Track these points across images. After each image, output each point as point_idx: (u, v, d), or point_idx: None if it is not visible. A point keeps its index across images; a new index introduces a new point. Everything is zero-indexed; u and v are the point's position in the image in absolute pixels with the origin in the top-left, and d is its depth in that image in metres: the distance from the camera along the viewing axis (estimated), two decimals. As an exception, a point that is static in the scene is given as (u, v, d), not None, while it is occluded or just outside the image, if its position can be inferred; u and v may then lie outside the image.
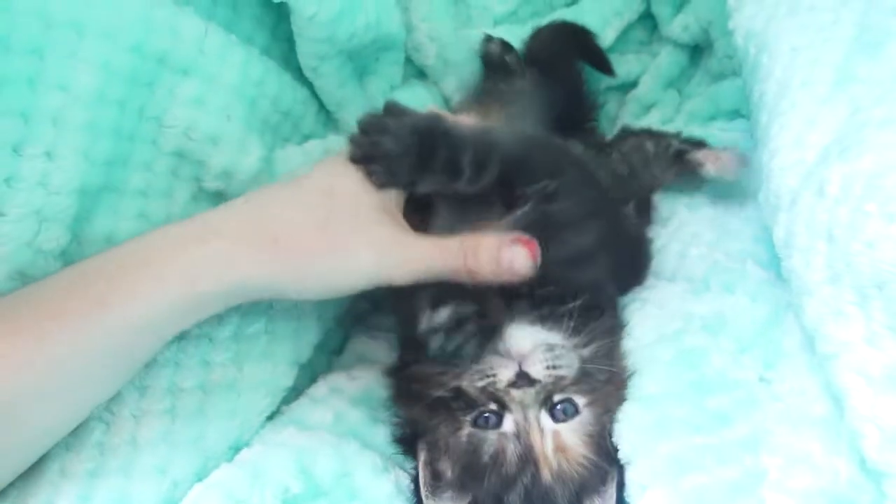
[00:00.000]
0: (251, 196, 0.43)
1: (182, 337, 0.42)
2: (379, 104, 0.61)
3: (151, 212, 0.44)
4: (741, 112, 0.61)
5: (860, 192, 0.30)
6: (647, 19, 0.74)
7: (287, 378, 0.46)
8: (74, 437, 0.38)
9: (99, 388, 0.37)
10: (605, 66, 0.70)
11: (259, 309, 0.45)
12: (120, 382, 0.38)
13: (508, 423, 0.39)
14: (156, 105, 0.43)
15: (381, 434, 0.44)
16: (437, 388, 0.40)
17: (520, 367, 0.39)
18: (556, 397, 0.39)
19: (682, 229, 0.51)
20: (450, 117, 0.48)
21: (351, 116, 0.58)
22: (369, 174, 0.43)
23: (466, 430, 0.40)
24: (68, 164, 0.39)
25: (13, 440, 0.35)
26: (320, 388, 0.47)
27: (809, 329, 0.32)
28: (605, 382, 0.40)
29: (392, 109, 0.45)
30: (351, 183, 0.43)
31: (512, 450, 0.38)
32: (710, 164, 0.56)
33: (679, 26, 0.70)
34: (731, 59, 0.62)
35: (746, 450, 0.34)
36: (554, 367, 0.39)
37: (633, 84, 0.73)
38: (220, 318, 0.43)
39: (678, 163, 0.59)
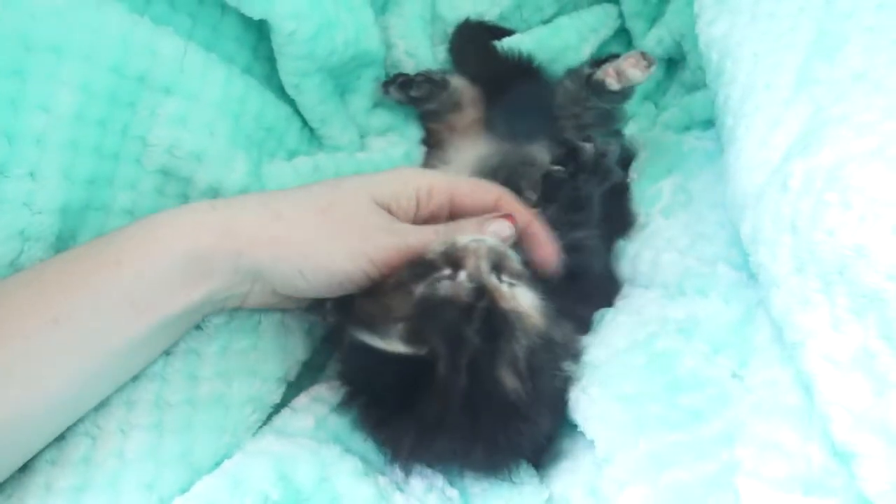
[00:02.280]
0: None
1: (169, 352, 0.42)
2: (361, 121, 0.63)
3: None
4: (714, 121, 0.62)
5: (821, 184, 0.31)
6: (623, 34, 0.76)
7: (275, 395, 0.46)
8: (60, 451, 0.39)
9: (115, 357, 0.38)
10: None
11: (247, 326, 0.46)
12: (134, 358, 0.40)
13: (462, 275, 0.40)
14: (139, 124, 0.44)
15: (362, 438, 0.44)
16: (393, 274, 0.42)
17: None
18: (505, 277, 0.41)
19: (657, 235, 0.52)
20: None
21: (334, 132, 0.60)
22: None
23: (419, 292, 0.40)
24: (52, 183, 0.40)
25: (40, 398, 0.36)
26: (301, 399, 0.47)
27: (778, 320, 0.33)
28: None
29: None
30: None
31: (466, 287, 0.40)
32: (611, 78, 0.57)
33: (653, 40, 0.71)
34: (704, 71, 0.63)
35: (722, 444, 0.34)
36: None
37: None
38: (207, 334, 0.44)
39: (589, 88, 0.59)
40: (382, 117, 0.65)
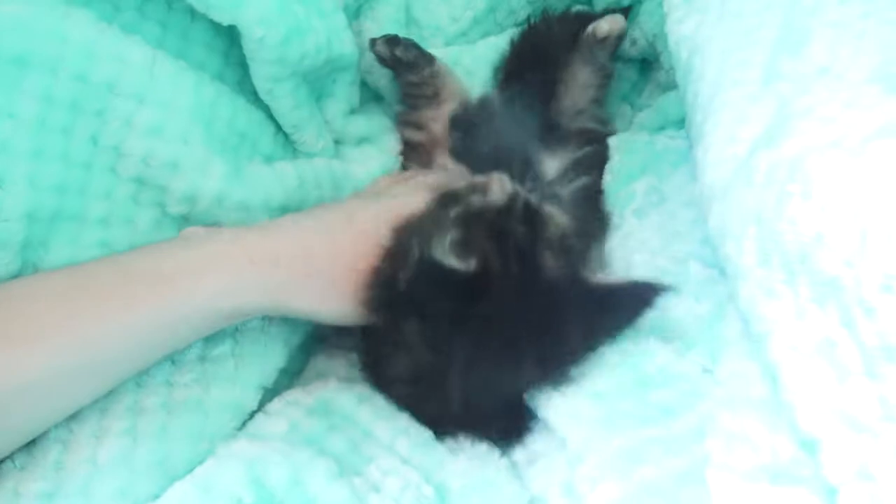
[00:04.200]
0: (281, 222, 0.47)
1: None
2: (337, 127, 0.63)
3: (114, 240, 0.45)
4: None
5: (784, 176, 0.32)
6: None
7: (253, 401, 0.46)
8: (30, 456, 0.39)
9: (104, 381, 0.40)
10: None
11: (225, 333, 0.46)
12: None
13: (494, 191, 0.43)
14: (111, 134, 0.44)
15: (338, 442, 0.44)
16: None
17: None
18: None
19: (630, 237, 0.52)
20: None
21: (308, 138, 0.60)
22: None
23: (455, 213, 0.42)
24: (18, 190, 0.40)
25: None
26: (275, 403, 0.47)
27: (744, 311, 0.33)
28: None
29: None
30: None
31: (499, 196, 0.43)
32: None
33: (627, 42, 0.72)
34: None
35: (693, 439, 0.34)
36: None
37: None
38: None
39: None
40: (359, 124, 0.65)
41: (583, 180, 0.62)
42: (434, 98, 0.67)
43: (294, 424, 0.44)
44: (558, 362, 0.41)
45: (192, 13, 0.51)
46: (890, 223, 0.27)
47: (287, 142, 0.60)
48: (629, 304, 0.42)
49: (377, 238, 0.45)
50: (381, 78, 0.67)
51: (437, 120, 0.67)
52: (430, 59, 0.66)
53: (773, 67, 0.41)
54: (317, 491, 0.39)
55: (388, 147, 0.67)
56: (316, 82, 0.60)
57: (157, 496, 0.38)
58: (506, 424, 0.44)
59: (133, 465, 0.39)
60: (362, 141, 0.66)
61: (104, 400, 0.41)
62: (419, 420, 0.46)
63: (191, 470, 0.40)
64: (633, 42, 0.71)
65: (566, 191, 0.59)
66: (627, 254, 0.51)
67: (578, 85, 0.69)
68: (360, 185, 0.63)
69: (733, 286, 0.35)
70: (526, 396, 0.42)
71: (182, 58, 0.50)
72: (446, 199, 0.44)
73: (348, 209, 0.48)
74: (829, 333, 0.27)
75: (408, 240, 0.42)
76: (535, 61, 0.70)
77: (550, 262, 0.41)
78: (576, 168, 0.64)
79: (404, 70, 0.66)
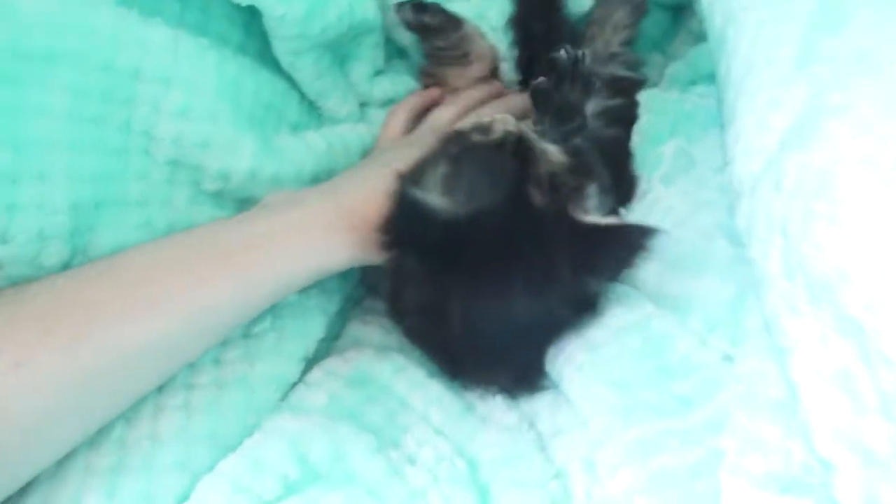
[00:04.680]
0: (349, 184, 0.50)
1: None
2: (363, 90, 0.63)
3: (154, 219, 0.47)
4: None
5: (812, 188, 0.32)
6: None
7: (295, 373, 0.49)
8: (97, 433, 0.41)
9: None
10: None
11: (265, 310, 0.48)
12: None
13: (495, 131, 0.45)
14: (142, 119, 0.45)
15: (375, 413, 0.47)
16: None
17: None
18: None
19: (657, 205, 0.52)
20: None
21: (333, 104, 0.60)
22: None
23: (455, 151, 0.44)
24: (59, 184, 0.41)
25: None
26: (315, 374, 0.49)
27: (768, 319, 0.34)
28: None
29: None
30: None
31: (498, 132, 0.44)
32: None
33: (660, -14, 0.69)
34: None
35: (709, 432, 0.36)
36: None
37: (618, 46, 0.73)
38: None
39: None
40: (383, 86, 0.64)
41: (610, 132, 0.61)
42: (462, 59, 0.66)
43: (333, 396, 0.47)
44: (549, 295, 0.43)
45: (211, -13, 0.50)
46: None
47: (312, 109, 0.60)
48: (620, 244, 0.43)
49: None
50: (406, 35, 0.66)
51: (462, 78, 0.66)
52: (457, 23, 0.64)
53: (809, 46, 0.40)
54: (357, 465, 0.42)
55: (413, 107, 0.66)
56: (339, 48, 0.59)
57: (210, 468, 0.41)
58: (515, 369, 0.47)
59: (188, 438, 0.42)
60: (388, 102, 0.65)
61: (159, 378, 0.43)
62: (433, 358, 0.49)
63: (240, 442, 0.43)
64: (666, -13, 0.69)
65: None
66: (652, 223, 0.51)
67: (612, 25, 0.67)
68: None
69: (759, 288, 0.35)
70: (536, 347, 0.45)
71: (203, 33, 0.50)
72: (449, 138, 0.46)
73: (394, 164, 0.48)
74: (850, 365, 0.28)
75: (406, 179, 0.44)
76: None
77: (538, 198, 0.42)
78: (603, 118, 0.63)
79: (431, 35, 0.65)
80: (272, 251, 0.43)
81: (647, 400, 0.38)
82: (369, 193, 0.46)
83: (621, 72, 0.68)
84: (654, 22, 0.71)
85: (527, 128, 0.48)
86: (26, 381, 0.34)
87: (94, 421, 0.39)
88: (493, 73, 0.69)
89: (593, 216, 0.44)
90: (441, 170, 0.42)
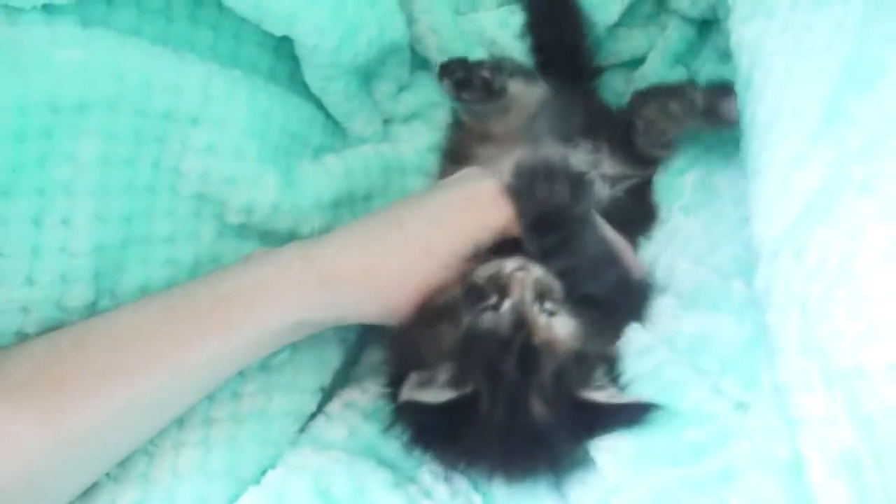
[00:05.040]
0: (342, 239, 0.47)
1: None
2: (387, 108, 0.64)
3: (179, 256, 0.48)
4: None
5: (833, 271, 0.32)
6: (656, -8, 0.72)
7: (311, 404, 0.50)
8: (122, 469, 0.43)
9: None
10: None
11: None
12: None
13: (506, 304, 0.44)
14: (171, 157, 0.46)
15: (393, 447, 0.48)
16: (442, 296, 0.45)
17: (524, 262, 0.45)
18: (548, 304, 0.44)
19: (675, 235, 0.53)
20: None
21: (359, 126, 0.60)
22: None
23: (466, 323, 0.44)
24: (84, 228, 0.42)
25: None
26: (335, 405, 0.51)
27: (780, 386, 0.34)
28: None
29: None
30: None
31: (508, 320, 0.43)
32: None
33: (687, 1, 0.68)
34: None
35: (720, 482, 0.37)
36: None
37: (640, 61, 0.72)
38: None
39: (710, 116, 0.55)
40: (408, 102, 0.64)
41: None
42: (503, 111, 0.63)
43: (353, 430, 0.48)
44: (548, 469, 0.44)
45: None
46: None
47: (337, 129, 0.61)
48: (619, 419, 0.42)
49: (426, 244, 0.47)
50: (430, 49, 0.65)
51: (501, 124, 0.64)
52: (501, 92, 0.61)
53: (836, 103, 0.39)
54: (377, 500, 0.43)
55: (436, 122, 0.66)
56: (366, 67, 0.59)
57: (230, 500, 0.43)
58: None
59: (208, 472, 0.44)
60: (411, 118, 0.65)
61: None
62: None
63: (259, 474, 0.45)
64: (694, 2, 0.68)
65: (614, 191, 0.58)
66: (672, 259, 0.51)
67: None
68: (408, 164, 0.63)
69: (773, 353, 0.35)
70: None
71: (234, 61, 0.51)
72: (466, 295, 0.44)
73: (398, 216, 0.49)
74: (857, 452, 0.28)
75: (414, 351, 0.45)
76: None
77: (538, 408, 0.42)
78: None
79: (471, 104, 0.63)
80: (242, 314, 0.42)
81: (661, 447, 0.39)
82: (346, 251, 0.46)
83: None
84: (679, 36, 0.70)
85: (542, 280, 0.45)
86: (3, 453, 0.35)
87: (80, 483, 0.40)
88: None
89: (596, 393, 0.43)
90: (449, 364, 0.43)
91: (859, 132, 0.37)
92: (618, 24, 0.71)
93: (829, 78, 0.40)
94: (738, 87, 0.48)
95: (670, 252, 0.53)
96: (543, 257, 0.46)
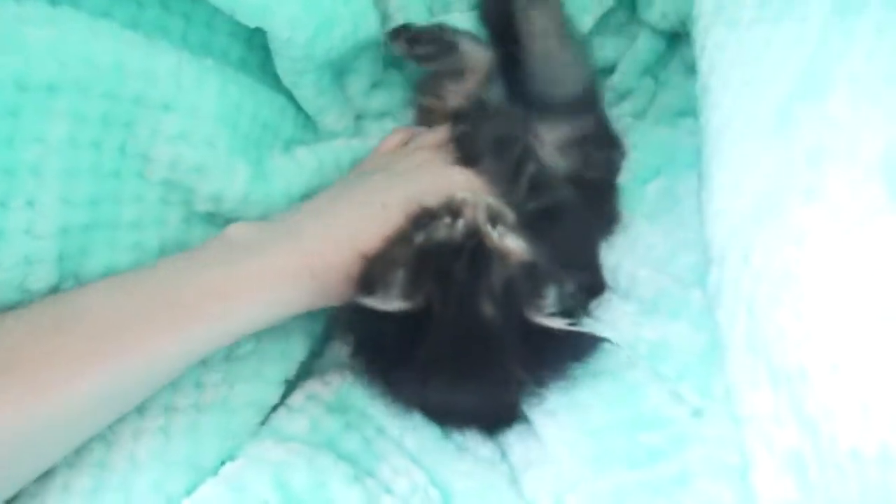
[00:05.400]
0: (336, 223, 0.48)
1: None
2: (359, 103, 0.64)
3: (145, 241, 0.47)
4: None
5: (778, 274, 0.33)
6: (628, 3, 0.73)
7: (274, 396, 0.50)
8: (77, 454, 0.42)
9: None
10: None
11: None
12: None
13: (460, 223, 0.45)
14: (139, 143, 0.45)
15: (353, 440, 0.48)
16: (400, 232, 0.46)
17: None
18: (500, 227, 0.46)
19: (638, 242, 0.54)
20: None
21: (331, 120, 0.61)
22: (456, 132, 0.50)
23: (418, 241, 0.45)
24: (50, 210, 0.42)
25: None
26: (297, 397, 0.51)
27: (729, 384, 0.35)
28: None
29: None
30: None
31: (460, 232, 0.45)
32: None
33: (657, 14, 0.69)
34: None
35: (675, 486, 0.38)
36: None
37: (610, 70, 0.74)
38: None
39: None
40: (380, 99, 0.65)
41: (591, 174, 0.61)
42: (458, 74, 0.65)
43: (314, 423, 0.48)
44: (503, 394, 0.45)
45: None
46: (871, 392, 0.27)
47: (308, 122, 0.61)
48: (569, 349, 0.44)
49: None
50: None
51: (459, 93, 0.66)
52: (452, 47, 0.64)
53: (788, 112, 0.41)
54: (336, 494, 0.43)
55: (408, 120, 0.67)
56: (339, 62, 0.60)
57: (188, 491, 0.43)
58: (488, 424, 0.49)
59: (167, 461, 0.44)
60: (383, 115, 0.66)
61: (143, 402, 0.44)
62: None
63: (219, 465, 0.45)
64: (664, 15, 0.69)
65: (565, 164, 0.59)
66: (634, 266, 0.52)
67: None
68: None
69: (722, 351, 0.37)
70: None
71: (206, 50, 0.51)
72: (419, 219, 0.46)
73: (379, 196, 0.50)
74: (802, 452, 0.29)
75: (369, 270, 0.45)
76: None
77: (489, 310, 0.42)
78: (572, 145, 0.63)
79: (425, 62, 0.65)
80: (230, 305, 0.42)
81: (619, 449, 0.40)
82: (335, 240, 0.46)
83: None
84: (648, 47, 0.72)
85: (494, 206, 0.47)
86: None
87: (40, 466, 0.40)
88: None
89: (547, 318, 0.43)
90: (400, 276, 0.43)
91: (808, 141, 0.39)
92: (589, 33, 0.72)
93: (783, 89, 0.42)
94: (698, 92, 0.49)
95: (632, 259, 0.54)
96: (508, 183, 0.49)
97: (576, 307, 0.46)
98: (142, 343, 0.40)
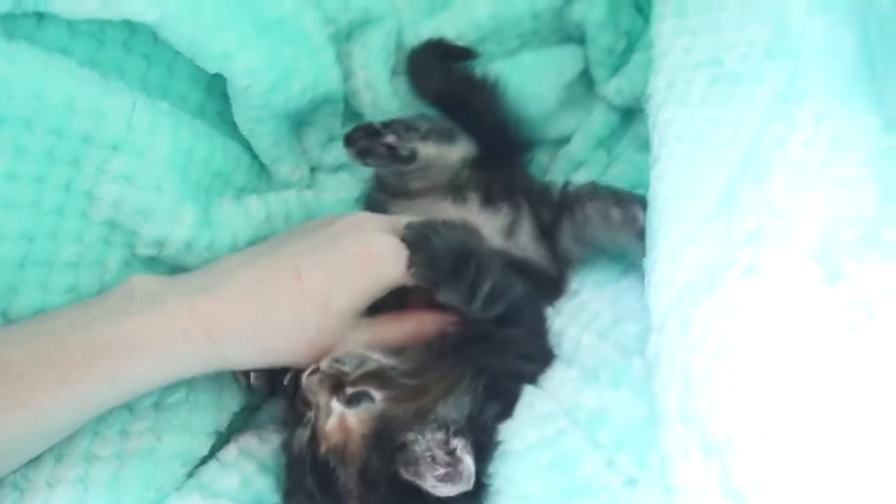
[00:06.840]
0: (231, 284, 0.46)
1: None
2: (315, 156, 0.64)
3: (82, 283, 0.46)
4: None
5: (713, 346, 0.33)
6: (586, 76, 0.76)
7: (203, 448, 0.48)
8: None
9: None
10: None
11: (181, 380, 0.47)
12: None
13: (309, 416, 0.45)
14: (85, 180, 0.45)
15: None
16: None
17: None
18: (349, 389, 0.44)
19: (583, 308, 0.54)
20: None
21: (285, 171, 0.61)
22: (412, 262, 0.47)
23: (290, 445, 0.46)
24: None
25: None
26: (231, 451, 0.49)
27: (662, 453, 0.35)
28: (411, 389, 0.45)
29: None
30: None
31: (304, 434, 0.44)
32: None
33: (613, 89, 0.72)
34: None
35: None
36: (336, 361, 0.46)
37: (566, 139, 0.76)
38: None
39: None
40: (336, 153, 0.65)
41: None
42: (421, 171, 0.62)
43: (246, 481, 0.47)
44: None
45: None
46: (796, 465, 0.28)
47: (262, 171, 0.61)
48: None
49: (324, 300, 0.46)
50: (364, 104, 0.67)
51: (420, 181, 0.63)
52: (409, 158, 0.59)
53: (731, 191, 0.42)
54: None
55: (363, 174, 0.67)
56: (298, 114, 0.60)
57: (105, 544, 0.41)
58: None
59: (83, 514, 0.41)
60: (338, 168, 0.66)
61: (60, 446, 0.42)
62: None
63: (140, 519, 0.43)
64: (619, 91, 0.72)
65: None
66: (578, 332, 0.53)
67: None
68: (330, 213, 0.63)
69: (657, 420, 0.37)
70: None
71: (163, 93, 0.51)
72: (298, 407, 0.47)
73: (295, 265, 0.47)
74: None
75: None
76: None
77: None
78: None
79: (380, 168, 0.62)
80: (117, 365, 0.40)
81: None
82: (239, 303, 0.44)
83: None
84: (603, 121, 0.74)
85: (347, 375, 0.46)
86: None
87: None
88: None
89: (422, 470, 0.41)
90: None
91: (748, 220, 0.40)
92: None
93: (728, 168, 0.44)
94: (650, 163, 0.51)
95: (577, 325, 0.54)
96: (464, 303, 0.48)
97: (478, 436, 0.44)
98: (30, 397, 0.38)
